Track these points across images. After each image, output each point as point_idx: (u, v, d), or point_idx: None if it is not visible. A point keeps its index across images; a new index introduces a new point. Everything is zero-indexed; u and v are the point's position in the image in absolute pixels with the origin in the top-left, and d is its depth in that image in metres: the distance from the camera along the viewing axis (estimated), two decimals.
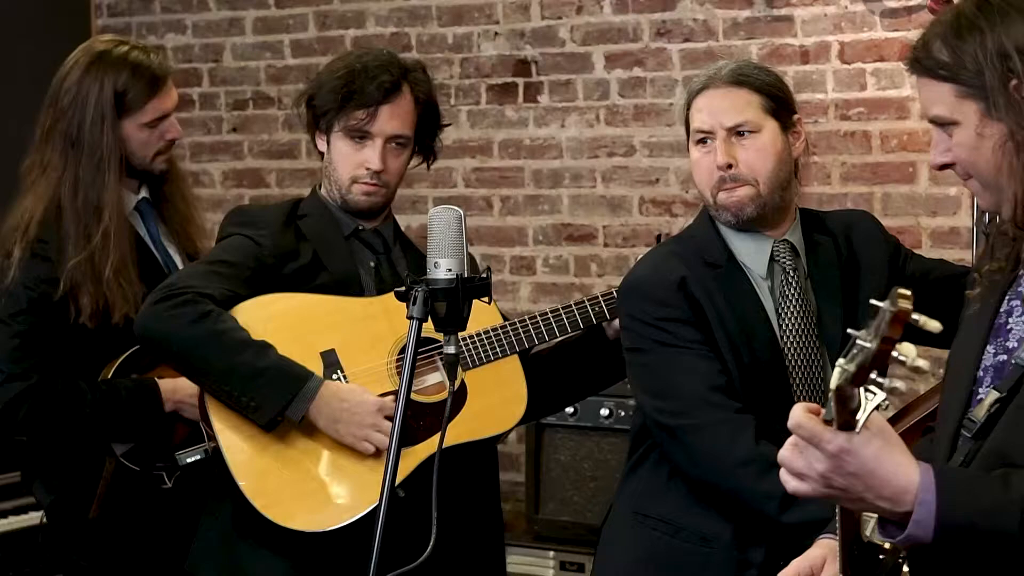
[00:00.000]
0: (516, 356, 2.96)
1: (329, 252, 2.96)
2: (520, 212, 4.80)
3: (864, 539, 1.86)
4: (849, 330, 1.63)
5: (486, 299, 2.35)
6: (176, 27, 5.33)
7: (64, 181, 3.11)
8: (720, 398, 2.62)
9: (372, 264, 3.00)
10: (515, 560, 4.26)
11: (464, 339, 2.87)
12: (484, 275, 2.33)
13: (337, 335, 2.88)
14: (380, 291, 2.95)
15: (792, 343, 2.69)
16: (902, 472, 1.74)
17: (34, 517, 4.08)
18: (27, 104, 5.10)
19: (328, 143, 3.00)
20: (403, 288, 2.32)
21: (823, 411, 1.72)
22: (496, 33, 4.80)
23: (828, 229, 2.83)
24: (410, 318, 2.25)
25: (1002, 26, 1.90)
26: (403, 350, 2.72)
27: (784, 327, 2.69)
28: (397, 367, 2.82)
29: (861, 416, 1.65)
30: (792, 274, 2.72)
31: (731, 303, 2.67)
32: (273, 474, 2.79)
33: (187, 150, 5.27)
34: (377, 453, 2.76)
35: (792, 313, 2.71)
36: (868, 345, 1.56)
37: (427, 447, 2.79)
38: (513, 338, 2.96)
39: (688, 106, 2.76)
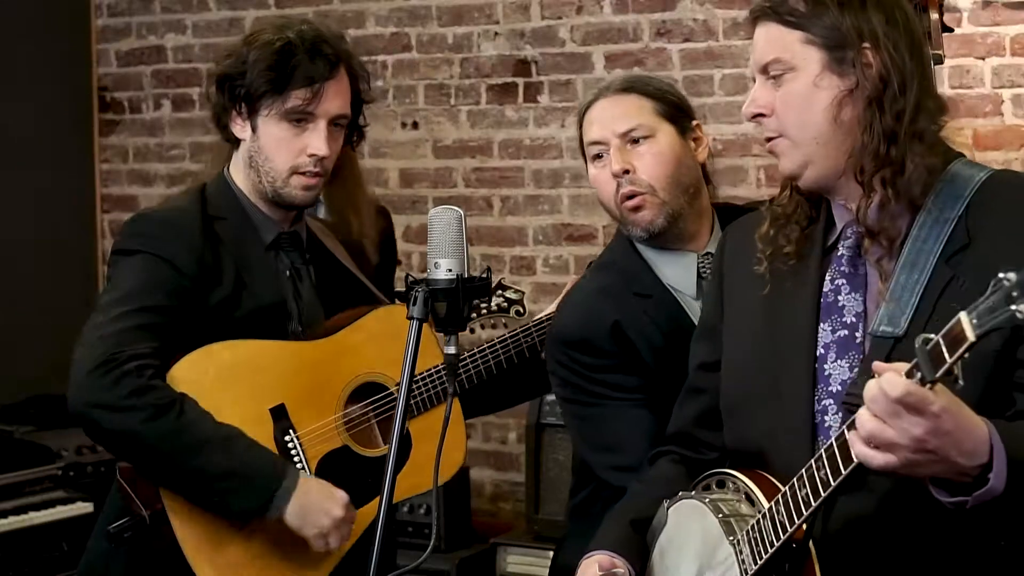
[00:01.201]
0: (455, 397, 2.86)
1: (251, 272, 2.67)
2: (520, 212, 4.80)
3: None
4: (1001, 274, 1.56)
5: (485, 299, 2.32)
6: (176, 27, 5.33)
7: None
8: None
9: (288, 274, 2.74)
10: (515, 560, 4.26)
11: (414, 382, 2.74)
12: (484, 275, 2.32)
13: (285, 387, 2.64)
14: (301, 315, 2.72)
15: None
16: (977, 424, 1.75)
17: (34, 517, 4.09)
18: (27, 104, 5.13)
19: (253, 128, 2.66)
20: (403, 289, 2.31)
21: (910, 372, 1.69)
22: (496, 33, 4.80)
23: None
24: (410, 318, 2.24)
25: (870, 5, 1.99)
26: (351, 401, 2.69)
27: None
28: (346, 423, 2.69)
29: (956, 368, 1.62)
30: None
31: (666, 335, 2.54)
32: (228, 552, 2.59)
33: (187, 150, 5.27)
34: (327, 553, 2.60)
35: None
36: None
37: (372, 508, 2.57)
38: (463, 376, 2.83)
39: (580, 126, 2.66)
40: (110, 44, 5.43)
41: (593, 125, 2.62)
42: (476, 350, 2.87)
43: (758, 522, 1.98)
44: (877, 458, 1.74)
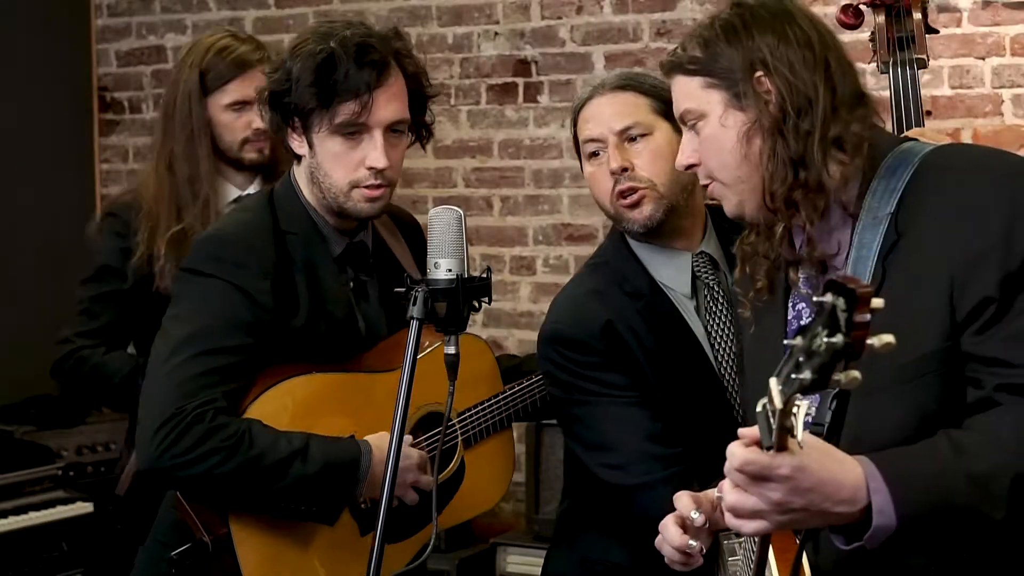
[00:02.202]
0: (510, 427, 2.81)
1: (324, 293, 2.59)
2: (520, 212, 4.80)
3: None
4: (786, 341, 1.57)
5: (485, 299, 2.31)
6: (176, 27, 5.33)
7: (162, 157, 3.26)
8: (656, 449, 2.48)
9: (351, 286, 2.66)
10: (515, 560, 4.26)
11: (469, 413, 2.74)
12: (484, 275, 2.32)
13: (356, 419, 2.59)
14: (369, 333, 2.66)
15: (727, 365, 2.57)
16: (849, 470, 1.75)
17: (34, 517, 4.08)
18: (27, 104, 5.12)
19: (311, 145, 2.54)
20: (402, 288, 2.31)
21: (758, 439, 1.69)
22: (496, 33, 4.80)
23: (742, 227, 2.74)
24: (410, 318, 2.24)
25: (754, 27, 1.99)
26: (416, 431, 2.66)
27: (717, 349, 2.57)
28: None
29: (798, 432, 1.62)
30: (716, 289, 2.60)
31: (659, 335, 2.54)
32: None
33: None
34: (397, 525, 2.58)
35: (723, 333, 2.58)
36: (833, 341, 1.49)
37: (422, 537, 2.62)
38: (519, 406, 2.80)
39: (575, 123, 2.65)
40: (110, 44, 5.43)
41: (589, 123, 2.60)
42: (536, 377, 2.81)
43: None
44: (746, 526, 1.76)
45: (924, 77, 2.96)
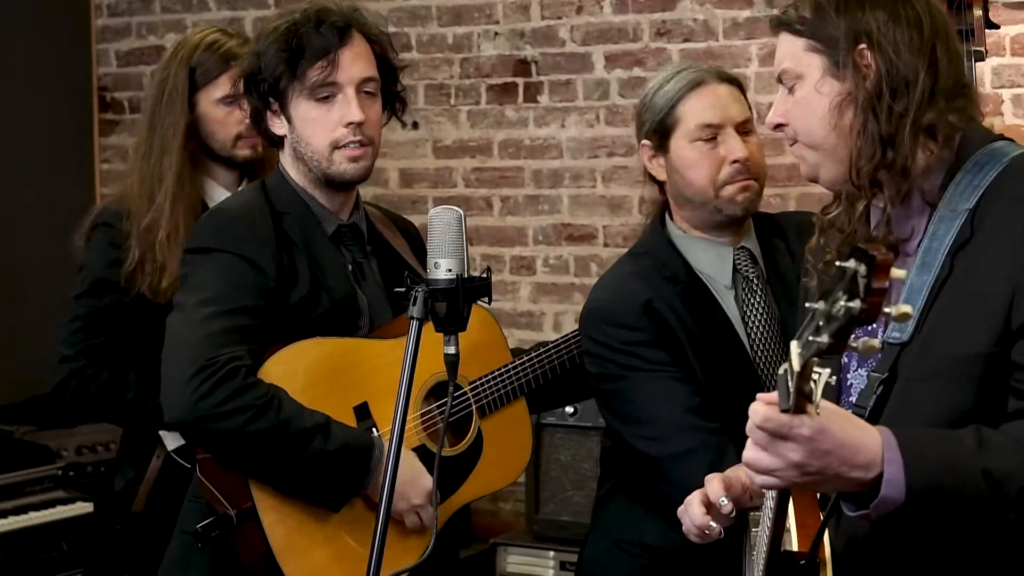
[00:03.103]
0: (523, 397, 2.83)
1: (323, 268, 2.65)
2: (520, 212, 4.80)
3: (781, 550, 1.88)
4: (807, 304, 1.59)
5: (485, 300, 2.32)
6: (176, 27, 5.32)
7: (142, 154, 3.22)
8: (696, 421, 2.55)
9: (350, 268, 2.71)
10: (515, 560, 4.26)
11: (480, 382, 2.76)
12: (484, 275, 2.32)
13: (368, 386, 2.64)
14: (371, 310, 2.71)
15: (762, 352, 2.65)
16: (867, 436, 1.75)
17: (34, 517, 4.09)
18: (27, 104, 5.12)
19: (289, 120, 2.63)
20: (403, 288, 2.31)
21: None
22: (496, 33, 4.80)
23: (779, 230, 2.80)
24: (410, 318, 2.24)
25: (869, 4, 1.98)
26: (428, 399, 2.69)
27: (752, 337, 2.65)
28: (423, 423, 2.69)
29: (817, 397, 1.63)
30: (756, 282, 2.70)
31: (697, 318, 2.62)
32: (315, 553, 2.59)
33: None
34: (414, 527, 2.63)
35: (758, 321, 2.67)
36: (850, 305, 1.51)
37: (465, 495, 2.72)
38: (531, 375, 2.82)
39: (674, 105, 2.67)
40: (110, 44, 5.43)
41: (707, 108, 2.66)
42: (543, 349, 2.85)
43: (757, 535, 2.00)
44: (759, 479, 1.76)
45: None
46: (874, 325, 1.97)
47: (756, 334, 2.66)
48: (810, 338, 1.55)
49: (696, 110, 2.66)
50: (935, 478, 1.76)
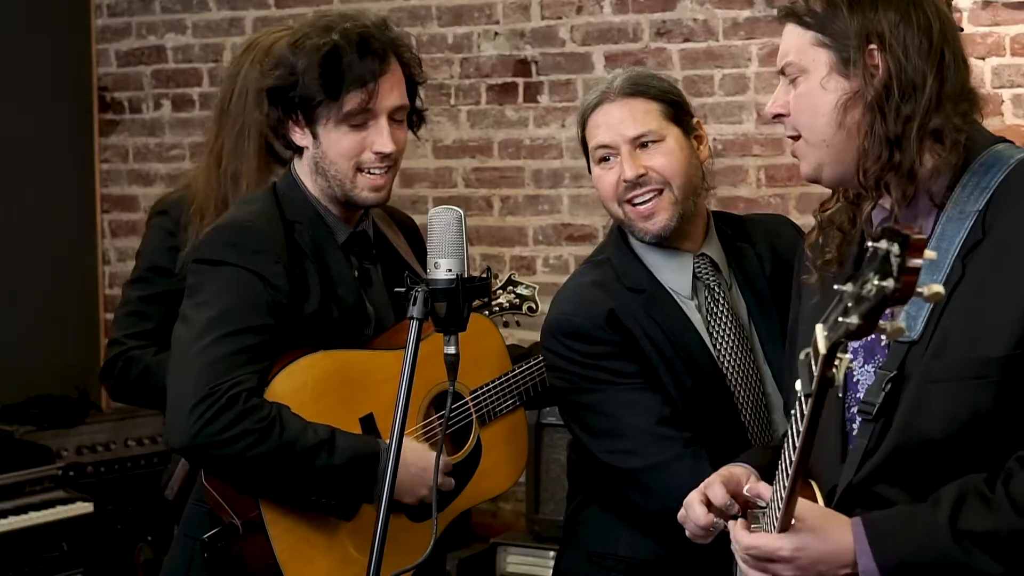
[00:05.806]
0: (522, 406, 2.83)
1: (333, 279, 2.64)
2: (520, 212, 4.80)
3: None
4: (836, 286, 1.58)
5: (484, 308, 2.32)
6: (176, 27, 5.32)
7: (213, 151, 3.19)
8: (668, 431, 2.52)
9: (356, 275, 2.70)
10: (515, 560, 4.26)
11: (481, 391, 2.76)
12: (484, 275, 2.32)
13: (373, 397, 2.63)
14: (377, 316, 2.70)
15: (728, 359, 2.62)
16: (843, 536, 1.84)
17: (34, 517, 4.09)
18: (27, 103, 5.12)
19: (314, 135, 2.61)
20: (403, 288, 2.31)
21: (749, 520, 1.85)
22: (496, 33, 4.80)
23: (747, 235, 2.75)
24: (410, 318, 2.25)
25: (881, 5, 1.97)
26: (431, 409, 2.69)
27: (718, 344, 2.61)
28: (425, 432, 2.69)
29: (839, 379, 1.64)
30: (717, 290, 2.65)
31: (662, 327, 2.58)
32: (320, 562, 2.59)
33: (187, 150, 5.27)
34: (419, 510, 2.64)
35: (723, 329, 2.63)
36: (883, 284, 1.50)
37: (462, 502, 2.74)
38: (529, 384, 2.82)
39: (583, 125, 2.66)
40: (110, 44, 5.43)
41: (600, 129, 2.62)
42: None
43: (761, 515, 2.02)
44: None
45: None
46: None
47: (722, 342, 2.62)
48: (839, 319, 1.55)
49: (592, 133, 2.64)
50: (908, 556, 1.83)
